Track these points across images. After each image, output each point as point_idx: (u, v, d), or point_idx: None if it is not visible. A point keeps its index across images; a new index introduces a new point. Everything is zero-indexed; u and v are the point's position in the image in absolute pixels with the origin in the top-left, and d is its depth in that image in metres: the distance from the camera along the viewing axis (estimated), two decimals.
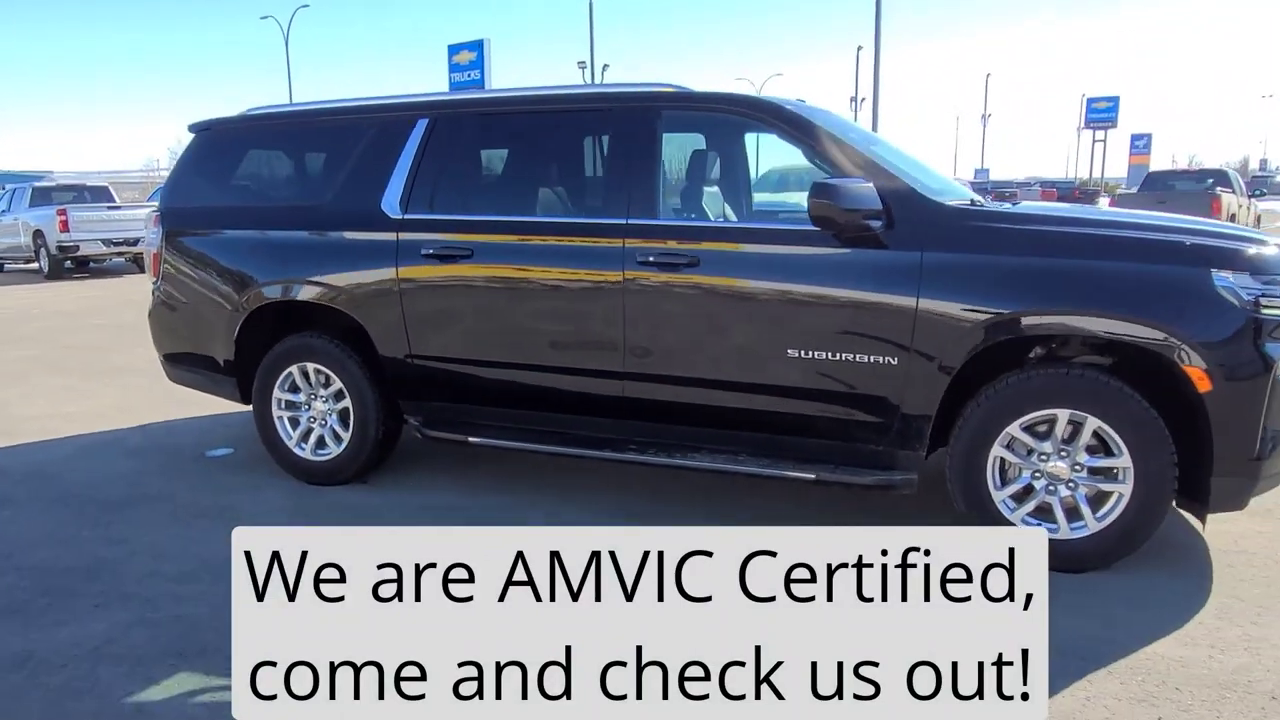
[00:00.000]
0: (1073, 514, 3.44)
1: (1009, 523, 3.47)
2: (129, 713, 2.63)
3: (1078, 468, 3.40)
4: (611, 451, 4.03)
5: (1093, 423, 3.34)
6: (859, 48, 40.72)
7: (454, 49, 28.47)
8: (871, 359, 3.56)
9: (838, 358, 3.61)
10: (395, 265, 4.25)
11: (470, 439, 4.30)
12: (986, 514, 3.51)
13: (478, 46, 27.80)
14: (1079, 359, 3.61)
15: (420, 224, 4.23)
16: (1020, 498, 3.50)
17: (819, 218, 3.44)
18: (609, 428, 4.10)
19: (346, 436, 4.52)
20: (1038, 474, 3.46)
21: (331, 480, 4.57)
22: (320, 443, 4.61)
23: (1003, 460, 3.49)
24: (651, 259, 3.80)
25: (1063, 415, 3.38)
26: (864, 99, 44.16)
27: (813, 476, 3.71)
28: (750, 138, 4.67)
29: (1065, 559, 3.42)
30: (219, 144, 4.89)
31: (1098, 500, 3.41)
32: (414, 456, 4.95)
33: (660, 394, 3.94)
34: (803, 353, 3.65)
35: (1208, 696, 2.62)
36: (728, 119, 3.97)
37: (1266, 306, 3.20)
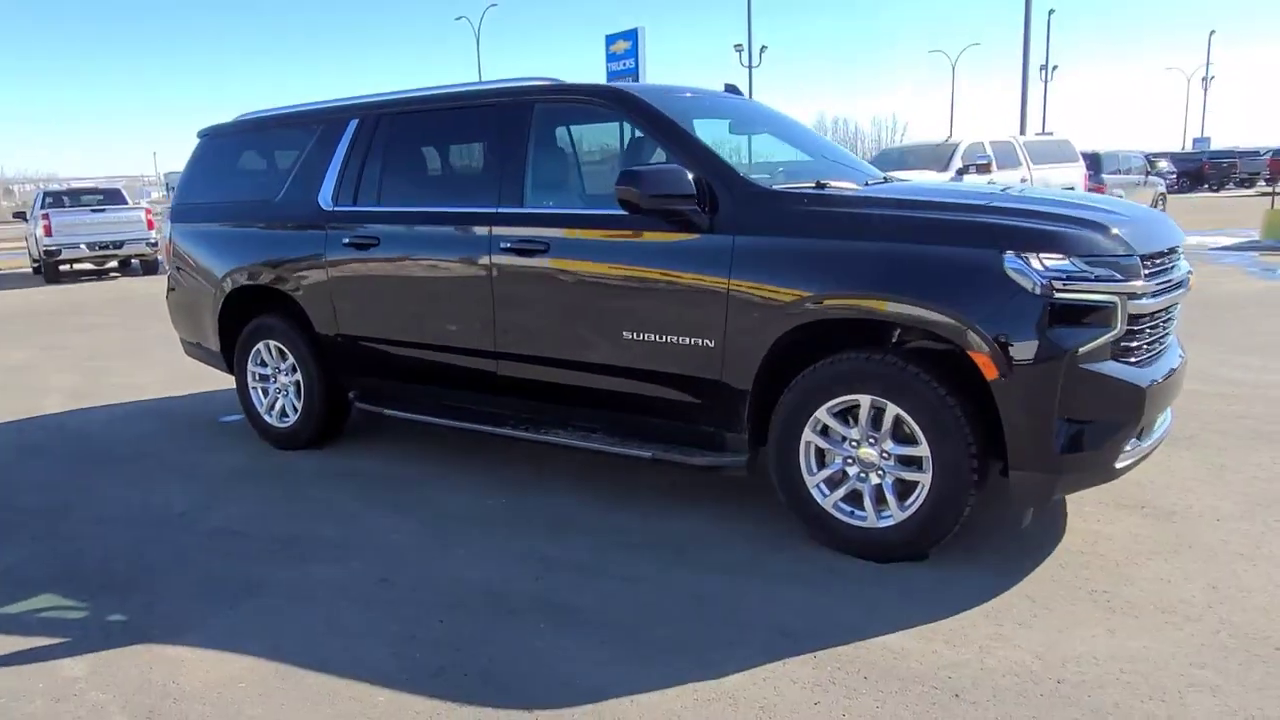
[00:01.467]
0: (882, 502, 3.38)
1: (822, 509, 3.46)
2: None
3: (885, 455, 3.34)
4: (492, 426, 4.32)
5: (893, 409, 3.27)
6: (1050, 11, 37.72)
7: (610, 39, 29.14)
8: (692, 341, 3.64)
9: (664, 340, 3.71)
10: (324, 253, 4.73)
11: (385, 411, 4.73)
12: (800, 500, 3.51)
13: (632, 36, 28.29)
14: (911, 344, 3.52)
15: (343, 216, 4.69)
16: (834, 484, 3.46)
17: (623, 202, 3.55)
18: (491, 403, 4.40)
19: (300, 406, 5.07)
20: (849, 460, 3.42)
21: (291, 445, 5.15)
22: (283, 412, 5.20)
23: (817, 446, 3.47)
24: (509, 245, 4.05)
25: (865, 401, 3.32)
26: (1055, 66, 41.05)
27: (649, 455, 3.83)
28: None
29: (872, 548, 3.39)
30: (215, 147, 5.58)
31: (906, 489, 3.33)
32: (387, 429, 5.40)
33: (525, 373, 4.18)
34: (635, 335, 3.77)
35: (889, 688, 2.58)
36: (590, 109, 4.10)
37: (1061, 291, 3.01)
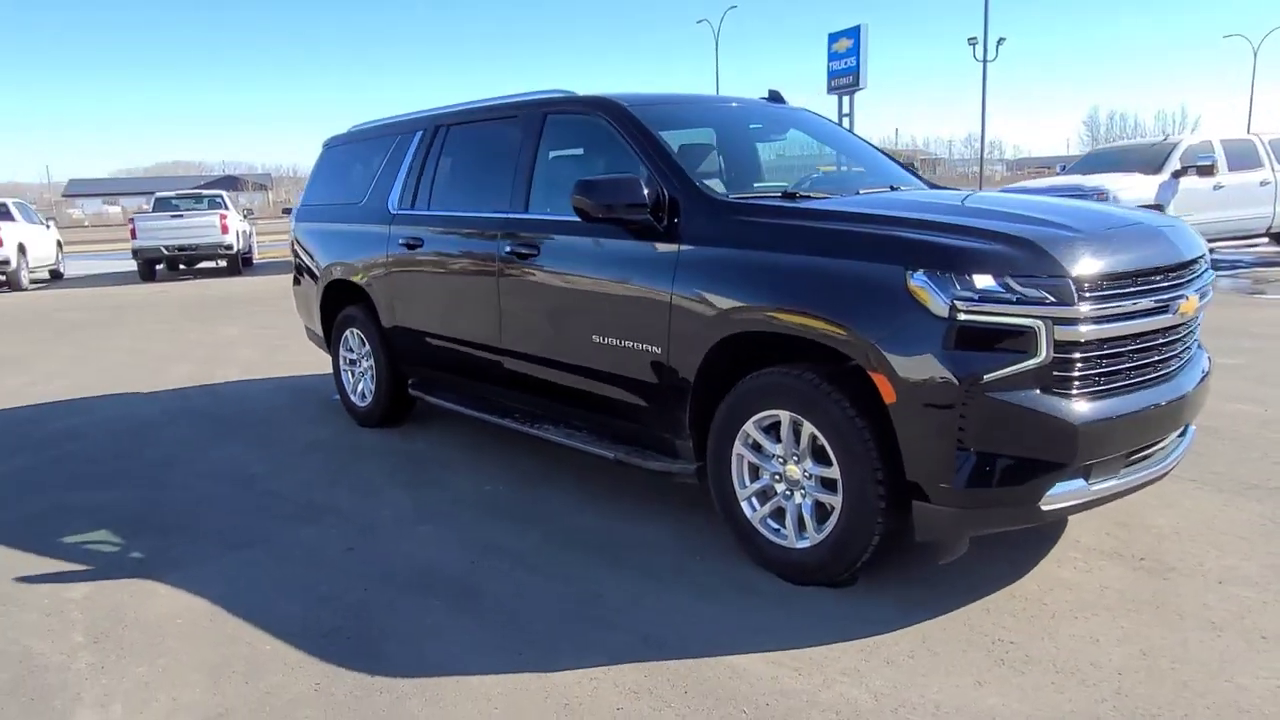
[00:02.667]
0: (804, 522, 3.29)
1: (750, 524, 3.42)
2: (54, 547, 3.95)
3: (807, 474, 3.25)
4: (498, 417, 4.61)
5: (809, 427, 3.17)
6: None
7: (833, 37, 28.54)
8: (644, 347, 3.70)
9: (623, 345, 3.80)
10: (387, 251, 5.24)
11: (427, 398, 5.16)
12: (731, 513, 3.48)
13: (854, 34, 27.57)
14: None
15: (402, 218, 5.16)
16: (764, 499, 3.41)
17: (578, 210, 3.68)
18: (502, 396, 4.68)
19: (373, 390, 5.64)
20: (777, 477, 3.35)
21: (367, 423, 5.74)
22: (363, 394, 5.80)
23: (749, 461, 3.43)
24: (510, 248, 4.30)
25: (785, 417, 3.25)
26: None
27: (612, 456, 3.94)
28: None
29: (790, 568, 3.32)
30: (330, 154, 6.28)
31: (824, 512, 3.22)
32: (450, 414, 5.84)
33: (522, 369, 4.42)
34: (602, 338, 3.89)
35: (699, 705, 2.56)
36: (588, 119, 4.24)
37: (968, 312, 2.79)
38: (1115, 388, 2.97)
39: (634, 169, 3.79)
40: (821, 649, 2.84)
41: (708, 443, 3.54)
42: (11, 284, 17.69)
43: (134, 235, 18.35)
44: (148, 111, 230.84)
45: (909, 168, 4.78)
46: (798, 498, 3.29)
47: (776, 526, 3.36)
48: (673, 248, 3.55)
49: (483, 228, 4.51)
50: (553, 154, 4.38)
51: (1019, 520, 2.96)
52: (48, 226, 20.82)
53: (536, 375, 4.35)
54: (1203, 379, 3.40)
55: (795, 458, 3.26)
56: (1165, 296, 3.05)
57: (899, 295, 2.88)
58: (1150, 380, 3.08)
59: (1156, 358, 3.10)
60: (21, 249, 18.04)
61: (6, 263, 17.35)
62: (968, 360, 2.79)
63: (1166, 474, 3.31)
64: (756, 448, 3.38)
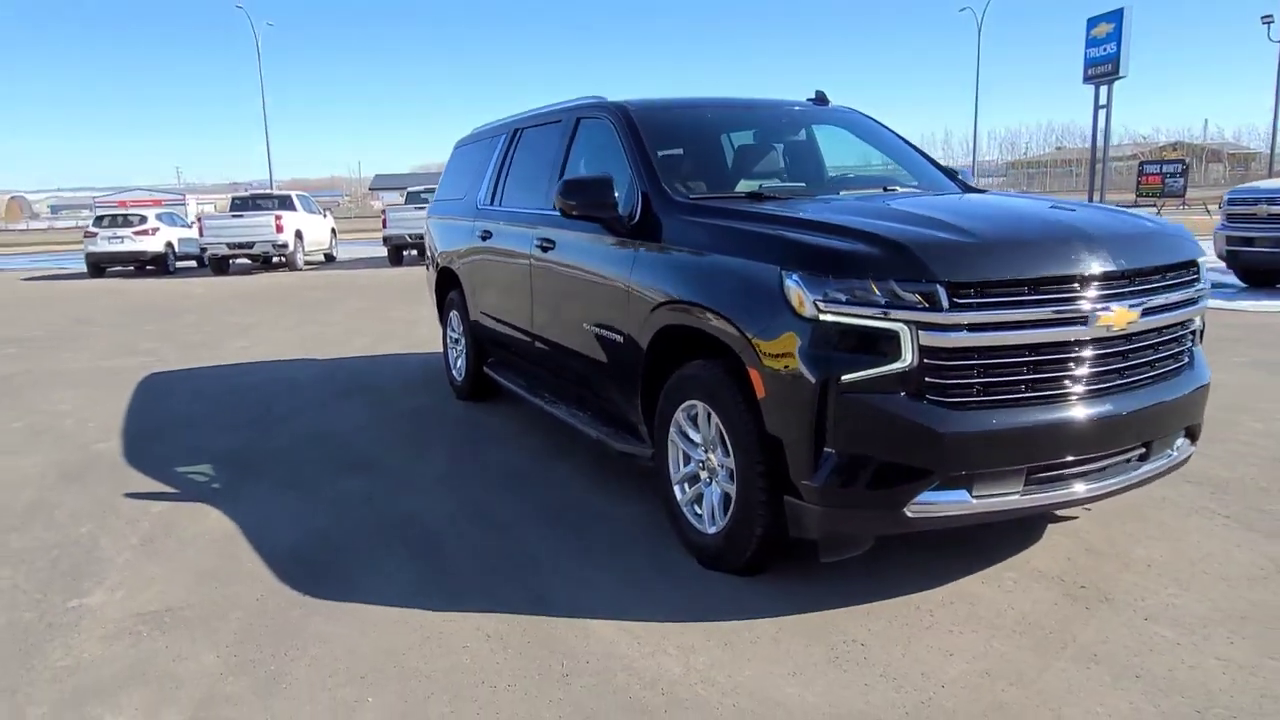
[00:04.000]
0: (714, 509, 3.43)
1: (679, 507, 3.61)
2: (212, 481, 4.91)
3: (719, 464, 3.40)
4: (531, 395, 5.05)
5: (715, 419, 3.33)
6: None
7: (1092, 22, 26.13)
8: (613, 336, 3.97)
9: (600, 332, 4.09)
10: (470, 242, 5.85)
11: (494, 376, 5.71)
12: (666, 495, 3.68)
13: (1116, 18, 25.07)
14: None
15: (483, 213, 5.73)
16: (691, 483, 3.58)
17: (559, 209, 4.02)
18: (537, 377, 5.12)
19: (464, 366, 6.30)
20: (701, 464, 3.51)
21: (459, 396, 6.42)
22: (459, 370, 6.47)
23: (682, 448, 3.61)
24: (536, 241, 4.72)
25: (701, 408, 3.42)
26: None
27: (594, 435, 4.26)
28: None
29: (702, 553, 3.48)
30: (457, 154, 6.99)
31: (728, 500, 3.35)
32: None
33: (545, 351, 4.82)
34: (589, 325, 4.21)
35: (531, 658, 2.84)
36: (601, 123, 4.47)
37: (830, 313, 2.83)
38: (1004, 399, 2.85)
39: (623, 169, 4.06)
40: (677, 625, 3.00)
41: (654, 428, 3.75)
42: (289, 264, 20.67)
43: (385, 224, 21.04)
44: (447, 108, 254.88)
45: (947, 171, 4.62)
46: (715, 486, 3.43)
47: (699, 512, 3.52)
48: (636, 243, 3.79)
49: (523, 222, 4.96)
50: (581, 156, 4.72)
51: (885, 525, 2.94)
52: (324, 216, 24.01)
53: (553, 358, 4.74)
54: (1180, 396, 3.14)
55: (712, 446, 3.41)
56: (1075, 308, 2.87)
57: (775, 295, 2.96)
58: (1061, 395, 2.91)
59: (1072, 371, 2.92)
60: (299, 235, 21.02)
61: (285, 246, 20.31)
62: (828, 361, 2.83)
63: (1105, 495, 3.11)
64: (686, 436, 3.56)
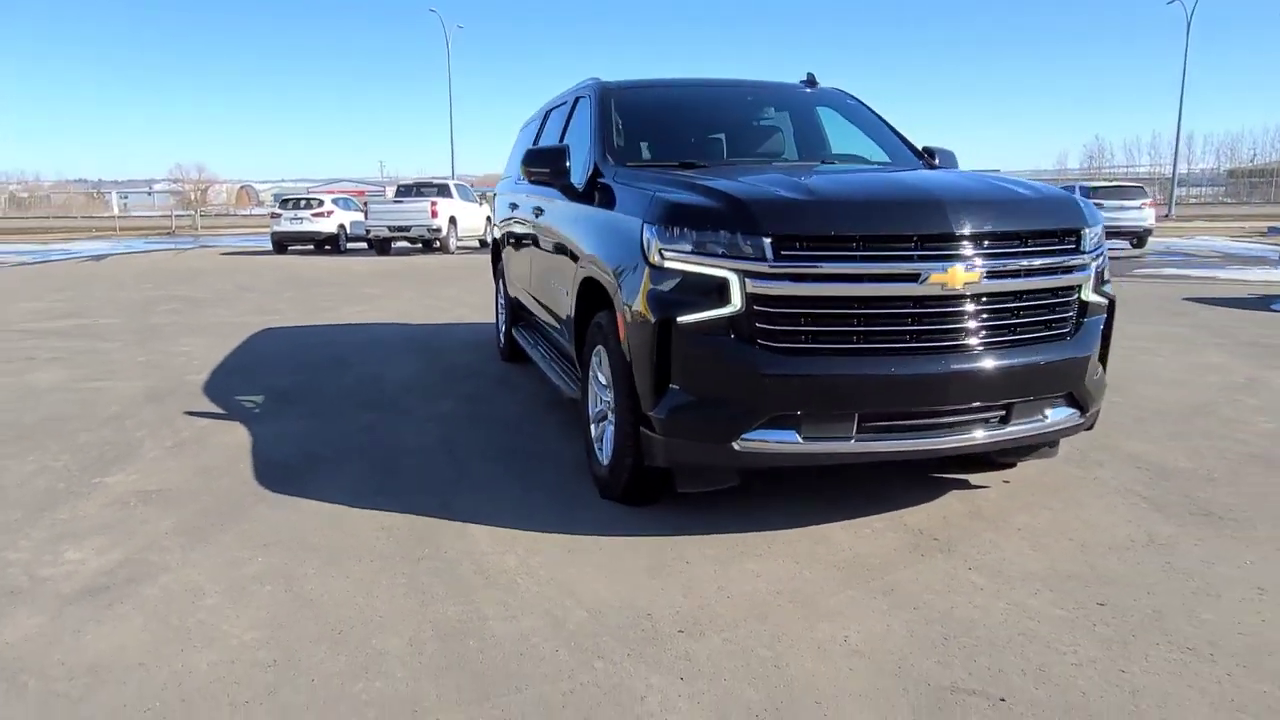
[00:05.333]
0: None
1: (590, 442, 3.99)
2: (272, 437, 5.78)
3: (612, 402, 3.76)
4: (533, 352, 5.55)
5: (608, 361, 3.69)
6: None
7: None
8: (563, 290, 4.40)
9: (558, 288, 4.53)
10: (505, 214, 6.42)
11: (516, 336, 6.25)
12: (586, 432, 4.08)
13: None
14: None
15: (515, 188, 6.28)
16: (599, 422, 3.96)
17: (524, 174, 4.48)
18: (537, 332, 5.61)
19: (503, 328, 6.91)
20: (606, 403, 3.88)
21: (502, 358, 7.02)
22: (501, 333, 7.08)
23: (594, 389, 3.99)
24: (534, 208, 5.21)
25: (603, 351, 3.79)
26: None
27: (556, 382, 4.70)
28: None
29: (598, 483, 3.87)
30: (519, 135, 7.58)
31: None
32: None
33: (538, 308, 5.30)
34: (554, 282, 4.65)
35: (406, 559, 3.34)
36: (586, 100, 4.87)
37: (672, 261, 3.15)
38: (833, 347, 3.06)
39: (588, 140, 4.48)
40: (541, 534, 3.40)
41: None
42: (442, 247, 22.25)
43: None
44: None
45: (922, 151, 4.71)
46: (610, 423, 3.79)
47: (601, 447, 3.89)
48: (583, 206, 4.20)
49: (530, 193, 5.46)
50: (574, 130, 5.15)
51: (717, 457, 3.20)
52: (480, 204, 25.57)
53: (541, 315, 5.22)
54: (1043, 362, 3.21)
55: (611, 388, 3.78)
56: (904, 266, 3.03)
57: (636, 245, 3.30)
58: (892, 348, 3.08)
59: (904, 326, 3.08)
60: (453, 221, 22.58)
61: (439, 230, 21.90)
62: (669, 303, 3.14)
63: (953, 452, 3.24)
64: (597, 379, 3.93)
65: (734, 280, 3.03)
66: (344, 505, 3.75)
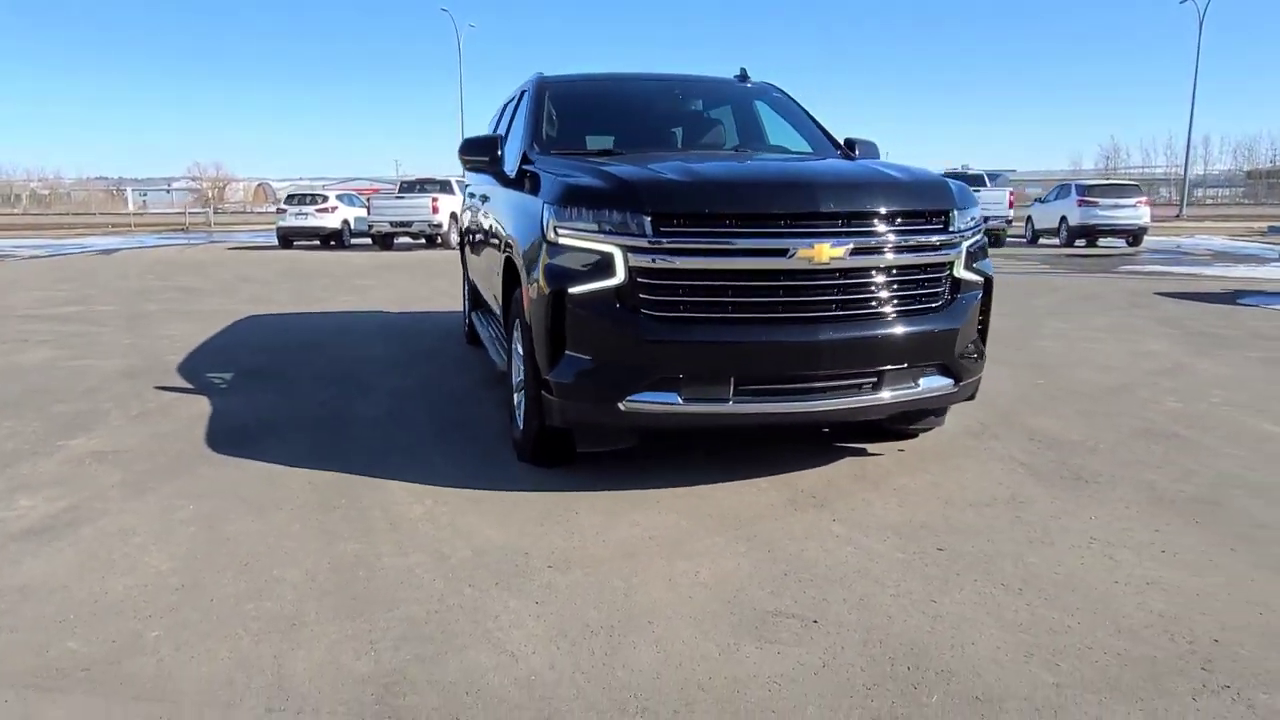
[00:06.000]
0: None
1: (514, 409, 4.29)
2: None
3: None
4: (481, 330, 5.86)
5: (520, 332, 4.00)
6: None
7: None
8: (495, 270, 4.71)
9: (493, 269, 4.84)
10: (466, 203, 6.74)
11: (473, 319, 6.57)
12: (511, 401, 4.38)
13: None
14: None
15: (475, 176, 6.60)
16: (519, 390, 4.24)
17: (460, 161, 4.79)
18: (487, 313, 5.93)
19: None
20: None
21: (467, 341, 7.33)
22: (464, 318, 7.40)
23: (517, 361, 4.28)
24: (480, 195, 5.53)
25: (518, 322, 4.09)
26: None
27: (493, 357, 5.01)
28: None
29: (515, 446, 4.17)
30: None
31: None
32: None
33: (485, 294, 5.61)
34: (490, 264, 4.96)
35: (336, 506, 3.66)
36: (528, 93, 5.18)
37: (564, 236, 3.45)
38: (710, 316, 3.34)
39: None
40: (452, 489, 3.71)
41: None
42: (443, 242, 22.64)
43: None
44: None
45: (842, 142, 4.96)
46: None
47: (519, 413, 4.19)
48: (511, 192, 4.50)
49: (478, 182, 5.78)
50: (518, 122, 5.45)
51: (606, 417, 3.48)
52: None
53: (485, 297, 5.53)
54: (911, 332, 3.47)
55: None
56: (774, 242, 3.31)
57: (537, 223, 3.60)
58: (764, 318, 3.36)
59: (776, 297, 3.36)
60: (453, 216, 22.92)
61: (440, 225, 22.29)
62: (561, 276, 3.44)
63: (827, 415, 3.52)
64: (517, 351, 4.23)
65: (618, 254, 3.32)
66: (283, 465, 4.06)
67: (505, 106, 6.27)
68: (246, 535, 3.23)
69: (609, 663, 2.36)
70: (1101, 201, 20.88)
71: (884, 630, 2.53)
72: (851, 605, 2.68)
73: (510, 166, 4.62)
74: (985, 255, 3.86)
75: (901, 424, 4.17)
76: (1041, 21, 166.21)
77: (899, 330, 3.49)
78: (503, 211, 4.43)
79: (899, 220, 3.49)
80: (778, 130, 5.18)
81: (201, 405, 5.24)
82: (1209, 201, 64.63)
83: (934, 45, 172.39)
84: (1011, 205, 21.55)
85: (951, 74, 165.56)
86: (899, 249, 3.49)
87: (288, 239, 23.70)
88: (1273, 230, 24.54)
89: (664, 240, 3.30)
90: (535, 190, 3.88)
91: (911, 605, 2.68)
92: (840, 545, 3.13)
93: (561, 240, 3.44)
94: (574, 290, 3.40)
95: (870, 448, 4.27)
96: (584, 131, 4.93)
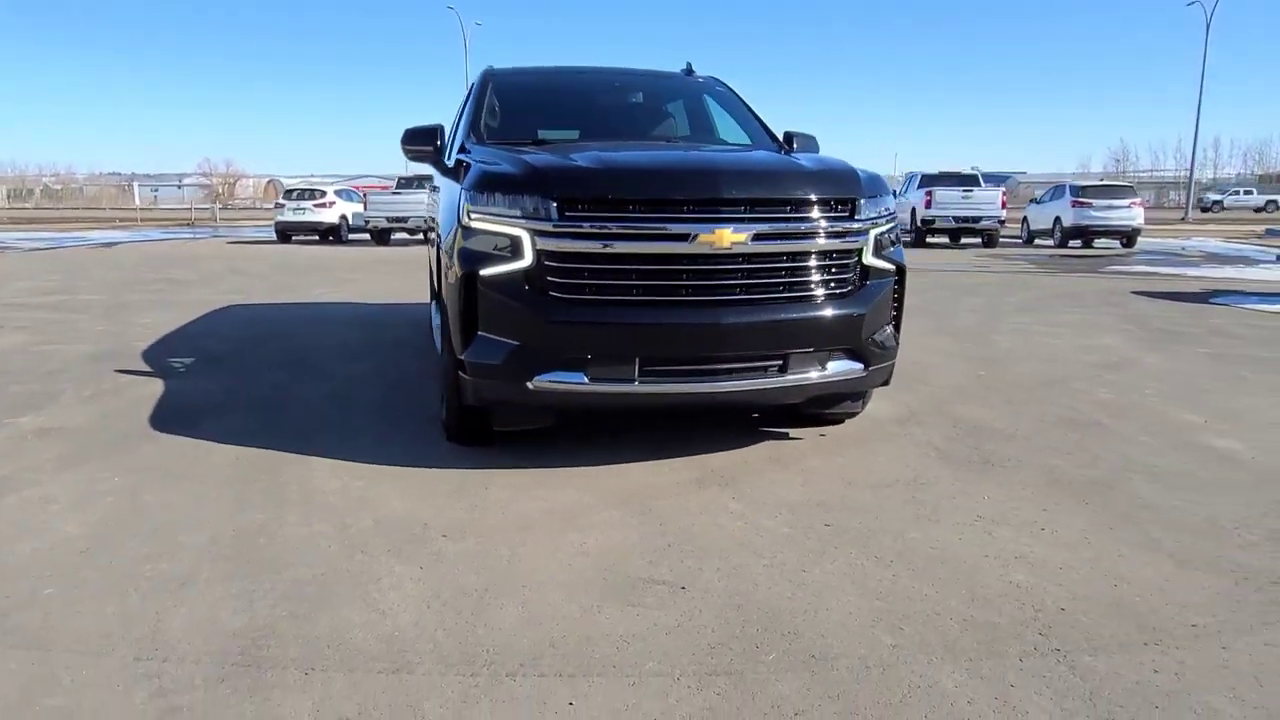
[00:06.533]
0: None
1: (444, 393, 4.41)
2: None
3: None
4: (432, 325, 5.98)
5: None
6: None
7: None
8: (434, 258, 4.83)
9: (434, 257, 4.96)
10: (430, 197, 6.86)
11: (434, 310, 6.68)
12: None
13: None
14: None
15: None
16: None
17: (402, 148, 4.91)
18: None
19: None
20: None
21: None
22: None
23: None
24: (432, 186, 5.65)
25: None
26: None
27: (437, 345, 5.12)
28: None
29: (445, 427, 4.27)
30: None
31: None
32: None
33: (434, 282, 5.73)
34: (435, 253, 5.08)
35: (272, 479, 3.79)
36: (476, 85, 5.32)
37: (476, 221, 3.56)
38: (614, 299, 3.45)
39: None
40: (372, 466, 3.82)
41: None
42: None
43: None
44: None
45: (783, 136, 5.06)
46: None
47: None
48: (447, 180, 4.62)
49: (434, 174, 5.89)
50: (468, 114, 5.58)
51: (517, 395, 3.59)
52: None
53: (434, 285, 5.65)
54: (815, 317, 3.56)
55: None
56: (675, 227, 3.41)
57: (456, 209, 3.72)
58: (667, 300, 3.46)
59: (678, 281, 3.46)
60: None
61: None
62: (473, 259, 3.55)
63: (731, 395, 3.60)
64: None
65: (526, 238, 3.43)
66: (215, 442, 4.19)
67: (464, 100, 6.40)
68: (162, 505, 3.35)
69: (472, 621, 2.47)
70: (1095, 202, 20.89)
71: (747, 596, 2.63)
72: (724, 574, 2.78)
73: (450, 157, 4.73)
74: (897, 244, 3.96)
75: (818, 409, 4.26)
76: (1050, 25, 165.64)
77: (804, 315, 3.59)
78: (439, 201, 4.54)
79: (804, 208, 3.59)
80: (725, 124, 5.28)
81: (155, 387, 5.37)
82: (1234, 207, 61.42)
83: (942, 48, 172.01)
84: (1004, 206, 21.48)
85: (961, 77, 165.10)
86: (803, 235, 3.58)
87: (286, 234, 23.90)
88: (1270, 233, 24.47)
89: (569, 224, 3.41)
90: (462, 179, 3.99)
91: (781, 575, 2.78)
92: (732, 520, 3.23)
93: (474, 224, 3.55)
94: (485, 272, 3.51)
95: (793, 432, 4.36)
96: (527, 123, 5.04)
